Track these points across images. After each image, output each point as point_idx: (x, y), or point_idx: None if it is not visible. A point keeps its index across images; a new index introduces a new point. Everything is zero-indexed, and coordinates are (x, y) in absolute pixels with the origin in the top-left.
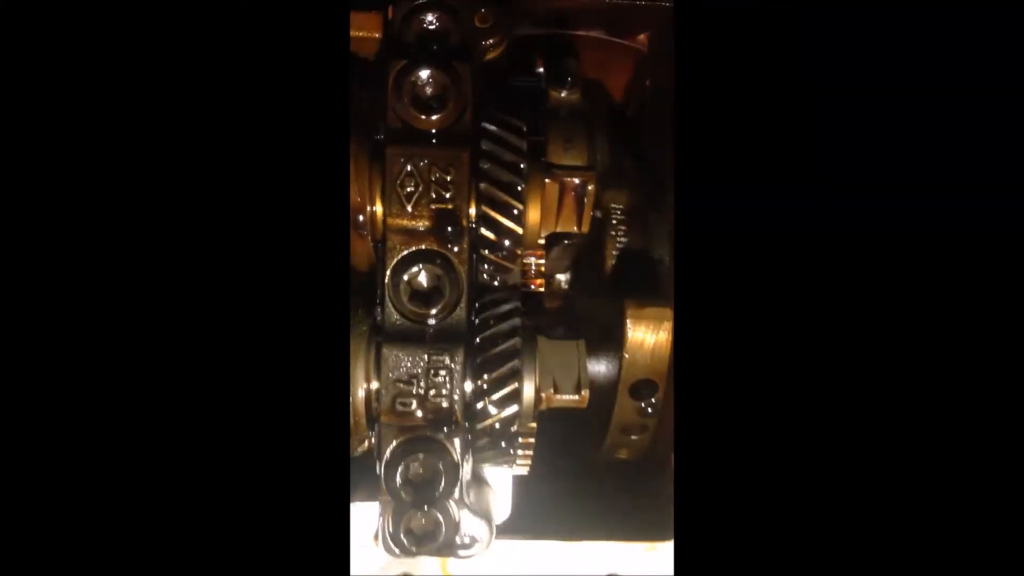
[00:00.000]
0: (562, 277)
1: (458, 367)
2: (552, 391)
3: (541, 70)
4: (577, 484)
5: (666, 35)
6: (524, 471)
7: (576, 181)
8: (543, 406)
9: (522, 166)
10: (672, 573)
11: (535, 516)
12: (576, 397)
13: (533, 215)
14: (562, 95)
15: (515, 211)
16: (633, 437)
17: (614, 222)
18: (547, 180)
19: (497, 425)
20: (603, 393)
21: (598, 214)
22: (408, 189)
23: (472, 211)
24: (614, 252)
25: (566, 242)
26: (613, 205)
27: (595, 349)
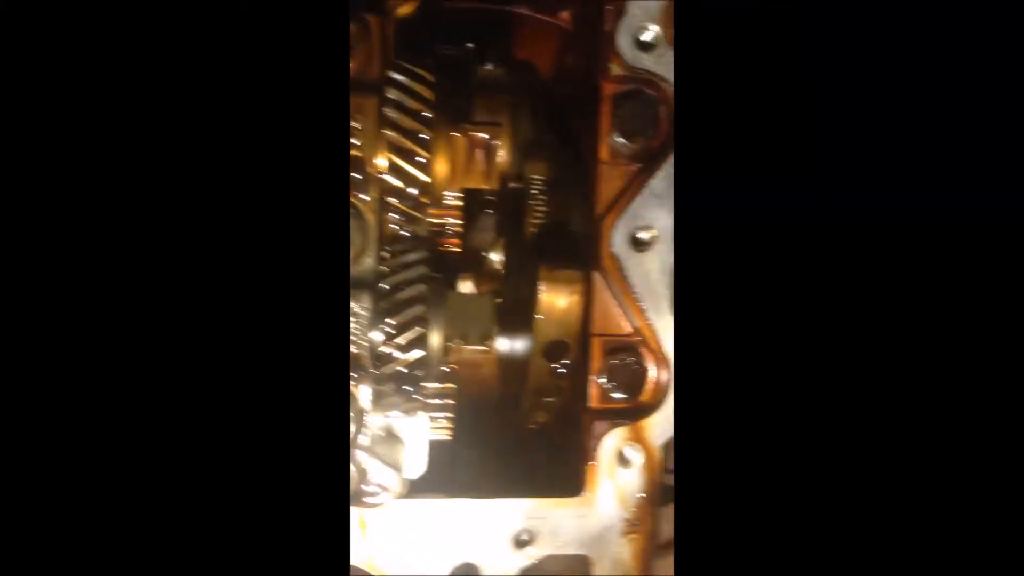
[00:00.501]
0: (492, 254)
1: (366, 313)
2: (461, 341)
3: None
4: (493, 446)
5: (589, 12)
6: (446, 436)
7: (485, 135)
8: (452, 357)
9: (428, 116)
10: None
11: (450, 476)
12: (485, 347)
13: (441, 166)
14: (488, 68)
15: (421, 160)
16: (548, 399)
17: (533, 192)
18: (455, 133)
19: (403, 370)
20: (518, 357)
21: (519, 185)
22: None
23: (380, 160)
24: (533, 223)
25: (488, 212)
26: (534, 176)
27: (510, 314)
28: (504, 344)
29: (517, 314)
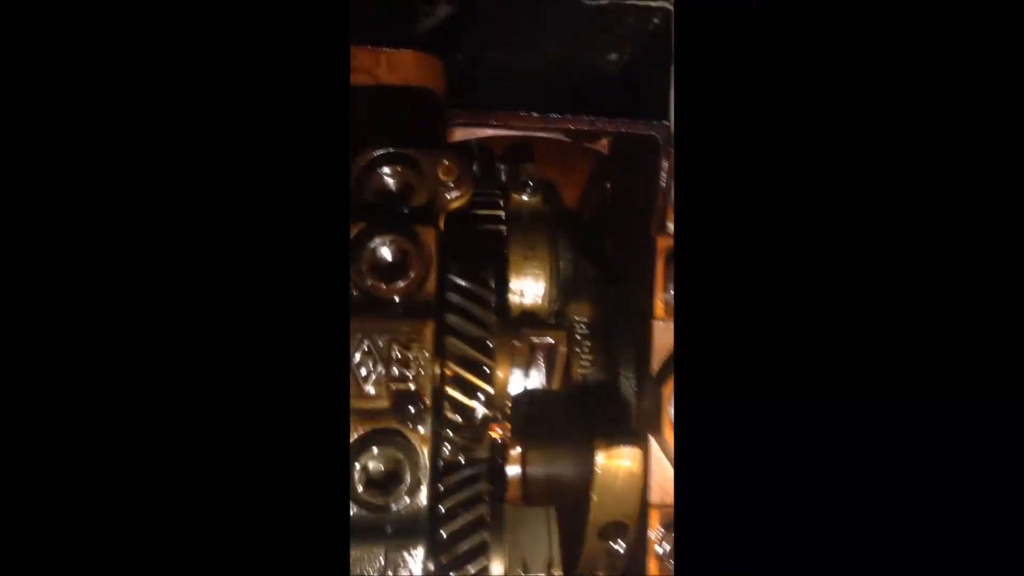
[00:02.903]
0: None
1: (417, 564)
2: (522, 569)
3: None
4: None
5: (628, 139)
6: None
7: (548, 341)
8: None
9: (488, 344)
10: None
11: None
12: None
13: (501, 381)
14: (523, 198)
15: (480, 394)
16: (600, 574)
17: (578, 337)
18: (515, 343)
19: None
20: (572, 526)
21: (561, 331)
22: (364, 370)
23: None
24: (580, 372)
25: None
26: (576, 318)
27: (563, 485)
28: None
29: (572, 487)
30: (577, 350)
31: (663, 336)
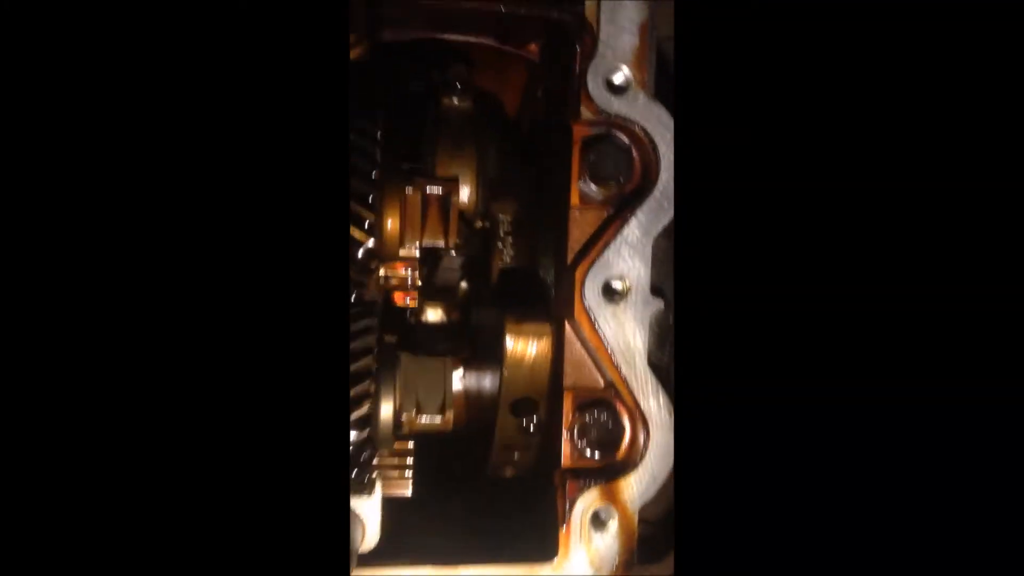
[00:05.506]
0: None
1: None
2: (414, 412)
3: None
4: (459, 505)
5: (557, 44)
6: (406, 492)
7: (438, 190)
8: (405, 429)
9: (373, 175)
10: None
11: (413, 540)
12: (439, 419)
13: (392, 225)
14: (453, 102)
15: (367, 222)
16: (516, 455)
17: (502, 234)
18: (408, 188)
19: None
20: (484, 411)
21: (486, 224)
22: None
23: None
24: (500, 265)
25: (452, 253)
26: (501, 216)
27: (476, 366)
28: (472, 402)
29: (485, 368)
30: (500, 245)
31: (578, 224)
